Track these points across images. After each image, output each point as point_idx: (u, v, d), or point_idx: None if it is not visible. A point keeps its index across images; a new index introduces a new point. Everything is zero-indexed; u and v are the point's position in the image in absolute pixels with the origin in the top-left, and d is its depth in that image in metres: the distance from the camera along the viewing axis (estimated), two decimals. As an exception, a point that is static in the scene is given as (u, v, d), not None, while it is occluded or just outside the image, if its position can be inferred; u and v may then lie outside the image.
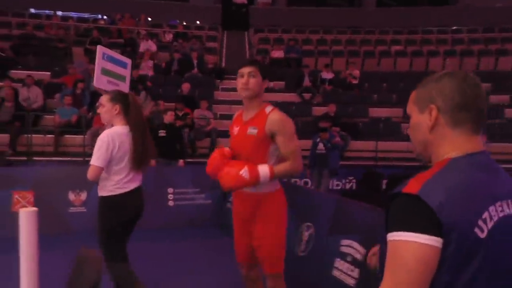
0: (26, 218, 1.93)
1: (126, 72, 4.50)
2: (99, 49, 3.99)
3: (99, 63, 3.97)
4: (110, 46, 13.41)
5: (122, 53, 12.93)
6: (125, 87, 4.87)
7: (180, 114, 9.11)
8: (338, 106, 9.98)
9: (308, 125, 9.80)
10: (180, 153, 6.91)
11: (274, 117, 2.38)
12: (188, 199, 6.09)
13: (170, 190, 6.01)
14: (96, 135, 8.64)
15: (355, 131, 9.97)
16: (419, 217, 0.97)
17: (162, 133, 6.80)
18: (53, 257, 4.23)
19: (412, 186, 1.00)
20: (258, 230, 2.47)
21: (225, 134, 9.76)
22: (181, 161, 6.83)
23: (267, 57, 13.09)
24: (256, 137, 2.39)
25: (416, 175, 1.04)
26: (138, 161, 2.84)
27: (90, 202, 5.62)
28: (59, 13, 15.81)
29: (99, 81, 3.99)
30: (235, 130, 2.55)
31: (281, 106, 10.92)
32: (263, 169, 2.32)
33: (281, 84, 12.01)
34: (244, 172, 2.28)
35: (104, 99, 2.93)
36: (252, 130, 2.40)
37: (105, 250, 2.89)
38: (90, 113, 9.10)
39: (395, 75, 12.62)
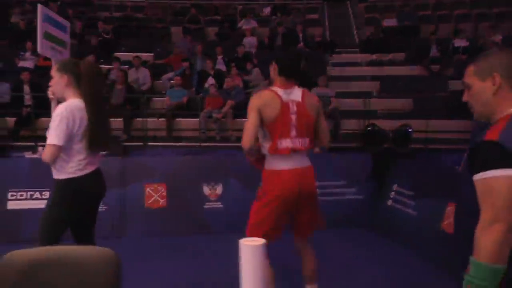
0: (252, 252, 1.29)
1: (66, 37, 4.25)
2: (40, 9, 3.81)
3: (41, 25, 3.82)
4: (208, 23, 12.88)
5: (220, 30, 12.45)
6: (66, 54, 4.32)
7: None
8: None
9: (446, 102, 8.27)
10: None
11: None
12: (331, 194, 5.08)
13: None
14: (209, 116, 8.05)
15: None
16: (503, 157, 1.30)
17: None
18: (195, 261, 3.51)
19: (491, 135, 1.35)
20: None
21: (349, 114, 8.70)
22: (316, 148, 5.79)
23: (378, 27, 11.57)
24: None
25: (490, 128, 1.38)
26: (95, 140, 2.47)
27: (226, 196, 4.85)
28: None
29: (43, 46, 3.85)
30: None
31: (405, 80, 9.54)
32: None
33: (400, 55, 10.50)
34: None
35: (52, 69, 2.60)
36: None
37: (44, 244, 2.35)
38: (201, 94, 8.43)
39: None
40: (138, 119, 8.02)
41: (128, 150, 7.11)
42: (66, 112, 2.39)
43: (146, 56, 10.25)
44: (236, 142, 7.56)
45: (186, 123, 8.10)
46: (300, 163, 2.56)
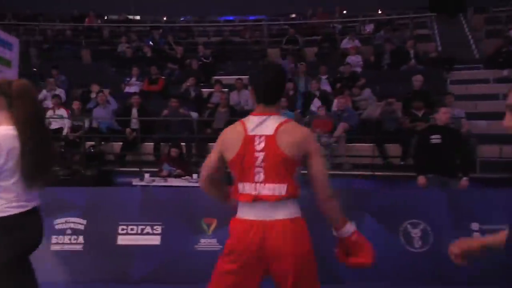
0: None
1: (12, 56, 3.92)
2: None
3: None
4: (306, 44, 12.35)
5: (319, 50, 11.82)
6: (12, 74, 3.91)
7: (420, 114, 7.04)
8: None
9: None
10: (463, 167, 4.82)
11: None
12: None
13: (475, 225, 3.97)
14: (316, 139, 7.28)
15: None
16: None
17: (435, 138, 4.82)
18: None
19: None
20: None
21: (485, 138, 7.40)
22: (464, 180, 4.72)
23: (508, 38, 10.04)
24: None
25: None
26: (28, 174, 2.08)
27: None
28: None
29: None
30: None
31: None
32: None
33: (537, 70, 8.90)
34: None
35: None
36: None
37: None
38: (307, 116, 7.75)
39: None
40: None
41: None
42: None
43: (245, 78, 9.89)
44: (351, 170, 6.70)
45: (291, 148, 7.42)
46: (267, 214, 1.96)
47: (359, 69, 9.91)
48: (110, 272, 3.91)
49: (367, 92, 8.15)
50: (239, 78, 8.77)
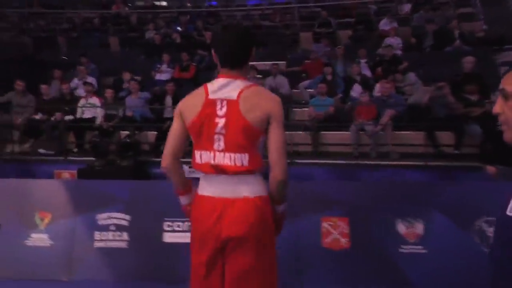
0: None
1: None
2: None
3: None
4: (340, 26, 11.80)
5: (354, 32, 11.26)
6: None
7: (474, 99, 6.52)
8: None
9: None
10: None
11: None
12: None
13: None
14: (362, 129, 6.87)
15: None
16: None
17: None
18: None
19: None
20: None
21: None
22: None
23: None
24: None
25: None
26: None
27: (431, 237, 3.61)
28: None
29: None
30: None
31: None
32: None
33: None
34: None
35: None
36: None
37: None
38: (349, 103, 7.32)
39: None
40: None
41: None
42: None
43: (281, 64, 9.49)
44: (398, 160, 6.27)
45: (333, 137, 7.03)
46: (228, 190, 1.82)
47: (399, 52, 9.37)
48: (157, 271, 3.67)
49: (411, 76, 7.64)
50: (275, 63, 8.39)
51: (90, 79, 8.44)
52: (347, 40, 10.80)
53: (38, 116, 7.48)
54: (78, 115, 7.45)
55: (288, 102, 7.97)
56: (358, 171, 6.11)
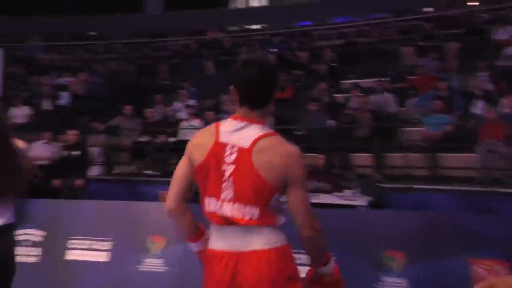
0: None
1: None
2: None
3: None
4: (447, 38, 10.86)
5: (464, 44, 10.25)
6: None
7: None
8: None
9: None
10: None
11: None
12: None
13: None
14: (490, 151, 5.97)
15: None
16: None
17: None
18: None
19: None
20: None
21: None
22: None
23: None
24: None
25: None
26: None
27: None
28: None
29: None
30: None
31: None
32: None
33: None
34: None
35: None
36: None
37: None
38: (472, 121, 6.48)
39: None
40: (389, 154, 6.54)
41: (385, 193, 5.67)
42: None
43: (384, 80, 8.89)
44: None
45: (453, 159, 6.22)
46: (239, 243, 1.62)
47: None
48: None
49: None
50: (379, 80, 7.83)
51: (191, 102, 8.59)
52: (457, 52, 9.86)
53: (143, 139, 7.72)
54: (180, 137, 7.55)
55: (396, 121, 7.33)
56: (491, 199, 5.26)
